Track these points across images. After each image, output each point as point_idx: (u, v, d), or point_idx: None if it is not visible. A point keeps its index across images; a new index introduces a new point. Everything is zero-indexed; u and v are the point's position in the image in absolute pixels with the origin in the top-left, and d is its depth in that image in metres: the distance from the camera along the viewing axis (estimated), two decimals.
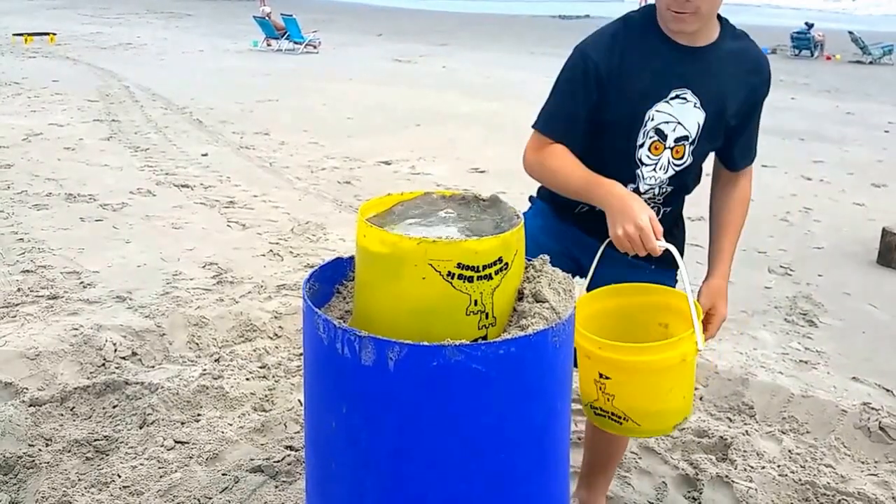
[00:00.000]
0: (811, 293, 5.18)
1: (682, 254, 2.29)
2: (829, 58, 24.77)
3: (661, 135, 2.17)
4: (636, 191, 2.23)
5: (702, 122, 2.16)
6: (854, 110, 13.40)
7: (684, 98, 2.14)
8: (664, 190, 2.28)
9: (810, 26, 26.27)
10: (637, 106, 2.16)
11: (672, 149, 2.19)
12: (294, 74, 15.88)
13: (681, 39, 2.13)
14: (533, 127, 2.29)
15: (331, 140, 9.55)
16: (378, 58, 19.67)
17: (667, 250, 2.06)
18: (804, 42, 25.60)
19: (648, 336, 2.33)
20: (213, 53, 19.06)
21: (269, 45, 21.46)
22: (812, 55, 25.34)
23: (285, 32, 21.05)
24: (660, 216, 2.25)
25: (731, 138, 2.27)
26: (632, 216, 2.02)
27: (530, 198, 2.60)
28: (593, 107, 2.17)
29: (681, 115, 2.15)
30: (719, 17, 2.16)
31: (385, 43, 24.16)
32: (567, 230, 2.42)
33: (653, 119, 2.15)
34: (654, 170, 2.21)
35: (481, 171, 8.12)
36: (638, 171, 2.23)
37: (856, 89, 16.67)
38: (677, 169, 2.23)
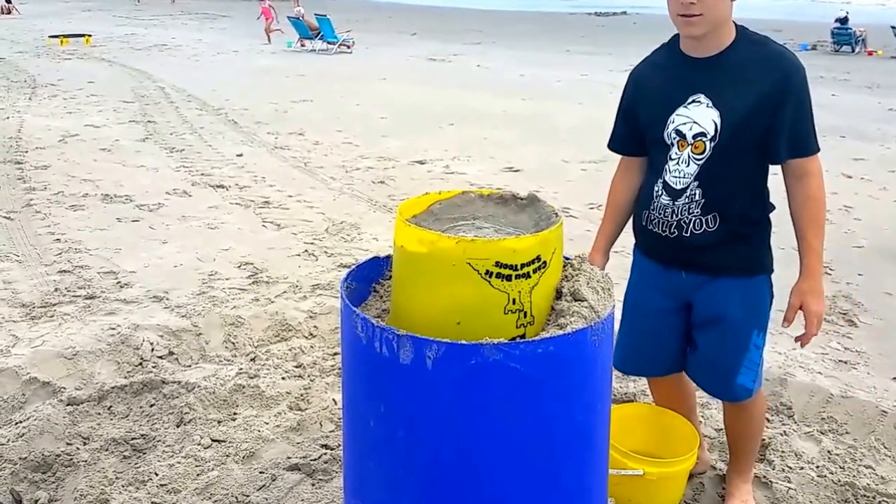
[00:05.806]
0: (851, 292, 5.09)
1: (754, 270, 2.55)
2: (870, 53, 24.28)
3: (681, 134, 2.43)
4: (667, 186, 2.47)
5: (718, 120, 2.37)
6: None
7: (698, 101, 2.39)
8: (694, 194, 2.45)
9: (845, 20, 25.84)
10: (661, 112, 2.47)
11: (692, 145, 2.42)
12: (328, 74, 15.96)
13: (694, 52, 2.39)
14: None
15: (365, 140, 9.58)
16: (412, 57, 19.70)
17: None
18: (845, 37, 25.10)
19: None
20: (248, 54, 19.21)
21: (302, 45, 21.59)
22: (853, 50, 24.84)
23: (319, 32, 21.15)
24: (701, 229, 2.45)
25: (768, 132, 2.39)
26: None
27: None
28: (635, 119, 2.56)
29: (696, 115, 2.40)
30: (737, 25, 2.38)
31: (419, 42, 24.20)
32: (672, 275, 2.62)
33: (673, 122, 2.44)
34: (678, 164, 2.45)
35: (516, 171, 8.08)
36: (666, 167, 2.48)
37: None
38: (699, 163, 2.42)
